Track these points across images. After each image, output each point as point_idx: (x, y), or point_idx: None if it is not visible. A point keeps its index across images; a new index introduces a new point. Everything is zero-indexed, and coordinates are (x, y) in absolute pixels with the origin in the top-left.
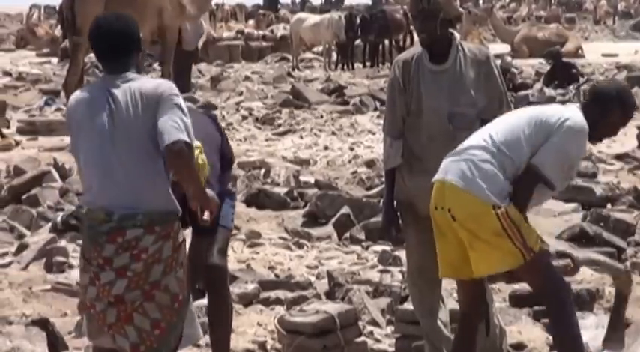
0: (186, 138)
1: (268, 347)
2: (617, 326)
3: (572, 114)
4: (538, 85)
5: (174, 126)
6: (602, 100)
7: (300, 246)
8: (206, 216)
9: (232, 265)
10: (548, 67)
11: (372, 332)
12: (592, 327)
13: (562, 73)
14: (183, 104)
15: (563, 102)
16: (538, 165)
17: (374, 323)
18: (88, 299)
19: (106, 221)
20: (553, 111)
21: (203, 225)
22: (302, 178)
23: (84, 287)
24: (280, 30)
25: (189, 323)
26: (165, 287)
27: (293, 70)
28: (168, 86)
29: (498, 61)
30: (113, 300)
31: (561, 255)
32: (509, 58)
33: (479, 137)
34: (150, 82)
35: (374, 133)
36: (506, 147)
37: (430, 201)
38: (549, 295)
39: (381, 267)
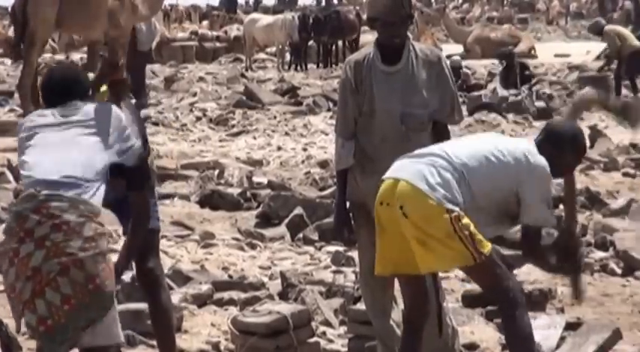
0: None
1: (222, 347)
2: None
3: (537, 157)
4: (491, 86)
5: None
6: (557, 142)
7: (254, 247)
8: None
9: (186, 266)
10: (501, 68)
11: (324, 333)
12: (544, 327)
13: (515, 74)
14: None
15: (515, 103)
16: (531, 222)
17: (327, 323)
18: (8, 284)
19: (34, 197)
20: (517, 153)
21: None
22: (255, 179)
23: (5, 273)
24: (234, 31)
25: (110, 321)
26: (81, 264)
27: (246, 70)
28: None
29: (448, 62)
30: (30, 274)
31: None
32: (457, 57)
33: (439, 148)
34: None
35: (327, 134)
36: (465, 168)
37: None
38: (501, 295)
39: (333, 268)
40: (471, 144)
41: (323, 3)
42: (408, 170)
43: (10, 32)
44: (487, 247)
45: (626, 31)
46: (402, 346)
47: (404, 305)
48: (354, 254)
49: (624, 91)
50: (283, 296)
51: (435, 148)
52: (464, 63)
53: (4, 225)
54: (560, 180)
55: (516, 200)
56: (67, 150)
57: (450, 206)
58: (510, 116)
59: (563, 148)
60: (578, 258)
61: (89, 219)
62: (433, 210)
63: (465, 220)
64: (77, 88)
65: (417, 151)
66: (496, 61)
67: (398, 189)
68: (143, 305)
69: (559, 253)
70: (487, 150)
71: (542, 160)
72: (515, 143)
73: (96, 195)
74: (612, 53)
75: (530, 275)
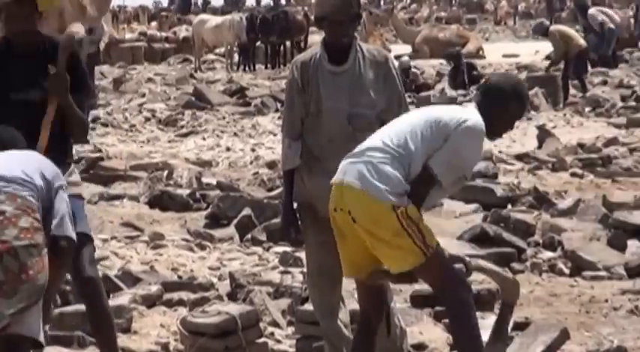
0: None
1: (171, 348)
2: (500, 336)
3: (470, 115)
4: (440, 86)
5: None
6: (498, 95)
7: (203, 248)
8: None
9: (136, 267)
10: (449, 68)
11: (272, 333)
12: (492, 327)
13: (463, 74)
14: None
15: (464, 103)
16: (432, 165)
17: (275, 324)
18: None
19: None
20: (451, 113)
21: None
22: (204, 180)
23: None
24: (183, 31)
25: (36, 315)
26: (15, 253)
27: (195, 71)
28: None
29: (397, 62)
30: None
31: (455, 259)
32: (406, 58)
33: (377, 139)
34: None
35: (275, 134)
36: (404, 149)
37: (329, 203)
38: (449, 295)
39: (281, 268)
40: (401, 122)
41: (266, 2)
42: (350, 172)
43: None
44: (434, 240)
45: (572, 31)
46: (355, 346)
47: (359, 306)
48: (302, 254)
49: (573, 91)
50: (232, 296)
51: (370, 141)
52: (412, 63)
53: None
54: (513, 180)
55: None
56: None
57: (395, 201)
58: None
59: (507, 101)
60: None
61: (26, 212)
62: (377, 209)
63: (413, 215)
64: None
65: (357, 148)
66: (444, 62)
67: (344, 193)
68: (77, 307)
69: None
70: (423, 120)
71: (474, 122)
72: (451, 109)
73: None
74: (557, 54)
75: (479, 275)
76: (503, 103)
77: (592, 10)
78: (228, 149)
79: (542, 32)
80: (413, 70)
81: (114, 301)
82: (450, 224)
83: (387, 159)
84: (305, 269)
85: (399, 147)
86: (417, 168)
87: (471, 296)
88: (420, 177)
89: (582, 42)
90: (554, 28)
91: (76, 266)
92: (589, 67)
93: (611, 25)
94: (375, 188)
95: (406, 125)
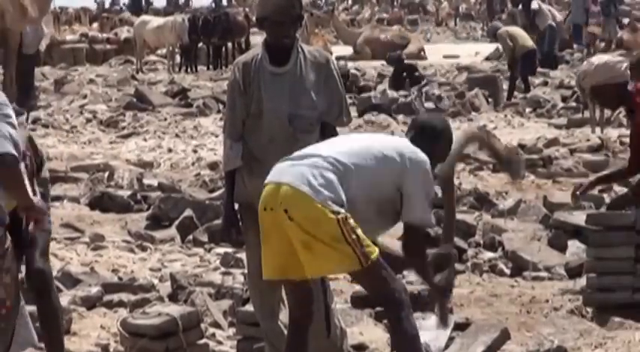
0: (12, 150)
1: (111, 349)
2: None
3: (415, 152)
4: (381, 87)
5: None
6: (432, 134)
7: (144, 249)
8: (31, 226)
9: (76, 268)
10: (391, 69)
11: (214, 335)
12: (433, 328)
13: (405, 76)
14: (13, 115)
15: (405, 104)
16: (416, 221)
17: (216, 325)
18: None
19: None
20: (397, 149)
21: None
22: (146, 181)
23: None
24: (124, 33)
25: (22, 328)
26: None
27: (137, 72)
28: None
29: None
30: None
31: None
32: (342, 62)
33: (322, 149)
34: None
35: (217, 136)
36: (347, 167)
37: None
38: (386, 297)
39: (223, 269)
40: (352, 142)
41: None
42: (290, 173)
43: None
44: (374, 252)
45: (519, 32)
46: (288, 347)
47: (288, 306)
48: (243, 255)
49: (514, 91)
50: (173, 298)
51: (314, 148)
52: (354, 64)
53: None
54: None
55: (400, 196)
56: None
57: (335, 207)
58: (400, 117)
59: (438, 140)
60: (448, 279)
61: None
62: (319, 212)
63: (352, 222)
64: None
65: (296, 153)
66: (386, 63)
67: (281, 193)
68: (32, 308)
69: (436, 266)
70: (369, 147)
71: (423, 155)
72: (395, 140)
73: None
74: (507, 55)
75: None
76: (433, 140)
77: (535, 5)
78: (169, 150)
79: (493, 35)
80: (353, 71)
81: None
82: None
83: (331, 169)
84: (246, 271)
85: (342, 164)
86: (351, 191)
87: (408, 297)
88: (409, 237)
89: (530, 43)
90: (502, 29)
91: (28, 257)
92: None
93: (552, 23)
94: (318, 191)
95: (351, 147)
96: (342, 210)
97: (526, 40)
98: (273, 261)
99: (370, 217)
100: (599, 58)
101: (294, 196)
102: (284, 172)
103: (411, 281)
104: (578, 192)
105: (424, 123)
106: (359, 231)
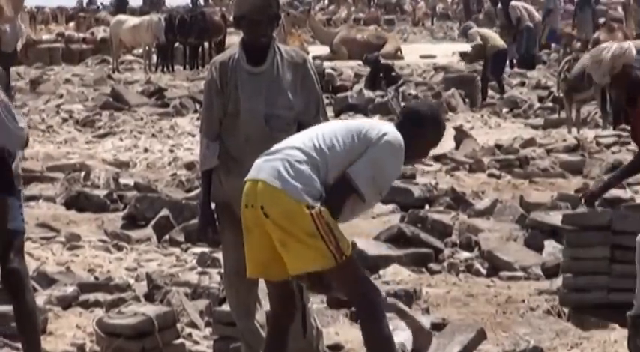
0: None
1: (87, 349)
2: None
3: (391, 130)
4: (357, 87)
5: None
6: (417, 119)
7: (120, 249)
8: None
9: (52, 268)
10: (368, 69)
11: (190, 334)
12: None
13: (381, 76)
14: None
15: (382, 104)
16: (352, 175)
17: (192, 325)
18: None
19: None
20: (373, 125)
21: None
22: (122, 181)
23: None
24: (101, 32)
25: None
26: None
27: (113, 72)
28: None
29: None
30: None
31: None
32: (318, 62)
33: (296, 139)
34: None
35: (193, 135)
36: (323, 154)
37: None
38: (359, 298)
39: (199, 269)
40: (325, 128)
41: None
42: (265, 169)
43: None
44: (348, 248)
45: (489, 32)
46: (267, 347)
47: (270, 306)
48: (220, 255)
49: (490, 92)
50: (149, 297)
51: (289, 141)
52: (330, 64)
53: None
54: (430, 181)
55: None
56: None
57: (309, 201)
58: (377, 117)
59: (424, 125)
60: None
61: None
62: (293, 207)
63: (327, 216)
64: None
65: (273, 147)
66: (363, 63)
67: (258, 190)
68: (8, 308)
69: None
70: (345, 129)
71: (396, 134)
72: (373, 122)
73: None
74: (473, 53)
75: (396, 276)
76: (421, 126)
77: (514, 3)
78: (146, 150)
79: (465, 33)
80: (329, 70)
81: None
82: (368, 224)
83: (305, 159)
84: (222, 270)
85: (317, 152)
86: (333, 176)
87: (380, 298)
88: (337, 186)
89: (500, 43)
90: (473, 30)
91: (4, 257)
92: (507, 68)
93: (530, 24)
94: (291, 186)
95: (327, 131)
96: (317, 205)
97: (496, 40)
98: (255, 259)
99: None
100: (609, 45)
101: (268, 193)
102: (261, 168)
103: (387, 281)
104: (590, 199)
105: (410, 108)
106: (333, 226)
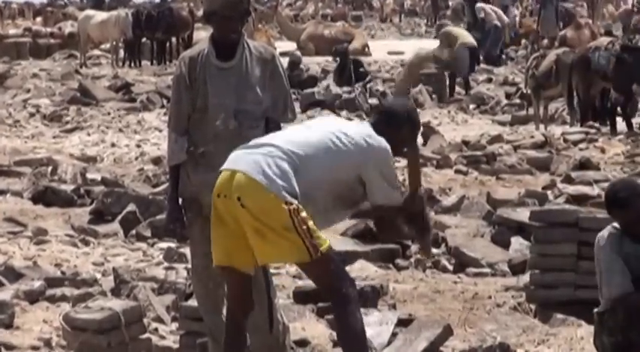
0: None
1: (53, 344)
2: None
3: (373, 136)
4: (324, 83)
5: None
6: (394, 117)
7: (87, 243)
8: None
9: (18, 262)
10: (335, 65)
11: (156, 329)
12: (376, 324)
13: (349, 71)
14: None
15: (349, 100)
16: (379, 202)
17: (159, 320)
18: None
19: None
20: (355, 136)
21: None
22: (89, 175)
23: None
24: (68, 27)
25: None
26: None
27: (81, 67)
28: None
29: (286, 59)
30: None
31: None
32: (298, 52)
33: (278, 138)
34: None
35: (161, 130)
36: (303, 157)
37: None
38: (334, 291)
39: (166, 264)
40: (309, 132)
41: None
42: (245, 161)
43: None
44: (324, 244)
45: (458, 30)
46: (226, 341)
47: (227, 299)
48: (187, 250)
49: (457, 88)
50: (116, 292)
51: (271, 138)
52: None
53: None
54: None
55: (362, 185)
56: None
57: (288, 198)
58: (344, 113)
59: (400, 124)
60: (424, 217)
61: None
62: (271, 201)
63: (304, 214)
64: None
65: (253, 142)
66: (330, 58)
67: (235, 180)
68: None
69: (406, 217)
70: (326, 137)
71: (382, 141)
72: (353, 128)
73: None
74: (439, 49)
75: (362, 272)
76: (397, 126)
77: (480, 5)
78: (113, 145)
79: (438, 31)
80: (300, 65)
81: None
82: None
83: (286, 159)
84: (189, 265)
85: (297, 155)
86: (308, 180)
87: (355, 293)
88: (379, 210)
89: (469, 40)
90: (445, 29)
91: None
92: (475, 66)
93: (497, 23)
94: (272, 181)
95: (308, 135)
96: (295, 202)
97: (465, 37)
98: (223, 248)
99: (328, 206)
100: None
101: (247, 185)
102: (240, 160)
103: (354, 277)
104: None
105: (386, 107)
106: (310, 223)
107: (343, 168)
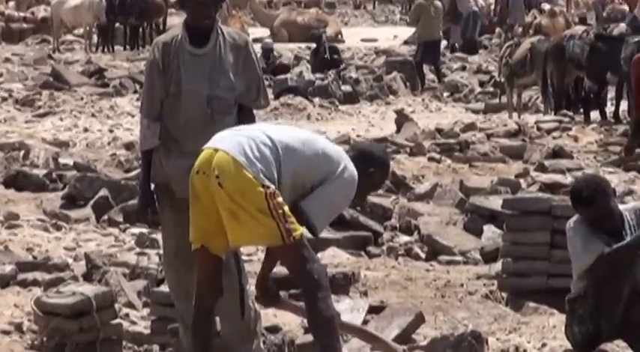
0: None
1: (25, 328)
2: None
3: (350, 165)
4: (297, 69)
5: None
6: (367, 159)
7: (59, 228)
8: None
9: None
10: (309, 51)
11: (128, 315)
12: (347, 311)
13: (323, 58)
14: None
15: (322, 87)
16: (308, 212)
17: (130, 305)
18: None
19: None
20: (337, 151)
21: None
22: (61, 160)
23: None
24: (41, 12)
25: None
26: None
27: (54, 52)
28: None
29: (259, 44)
30: None
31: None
32: (269, 40)
33: (267, 128)
34: None
35: (133, 116)
36: (286, 151)
37: (189, 177)
38: (305, 277)
39: (138, 250)
40: (298, 132)
41: None
42: (229, 141)
43: None
44: (298, 230)
45: (429, 19)
46: (194, 325)
47: (197, 283)
48: (159, 236)
49: (430, 76)
50: (87, 277)
51: (261, 126)
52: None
53: None
54: None
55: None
56: None
57: (265, 181)
58: (317, 100)
59: (375, 166)
60: None
61: None
62: (249, 183)
63: (280, 199)
64: None
65: (243, 126)
66: (303, 45)
67: (215, 158)
68: None
69: None
70: (313, 141)
71: (354, 176)
72: (338, 149)
73: None
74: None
75: (334, 259)
76: (370, 167)
77: None
78: (85, 130)
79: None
80: (274, 52)
81: None
82: None
83: (269, 146)
84: (161, 251)
85: (281, 146)
86: (283, 176)
87: (327, 279)
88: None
89: (435, 32)
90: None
91: None
92: (448, 53)
93: (476, 8)
94: (252, 163)
95: (296, 136)
96: (272, 186)
97: (433, 26)
98: (199, 226)
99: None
100: None
101: (227, 163)
102: (223, 139)
103: (326, 264)
104: None
105: (364, 147)
106: (286, 208)
107: (315, 173)
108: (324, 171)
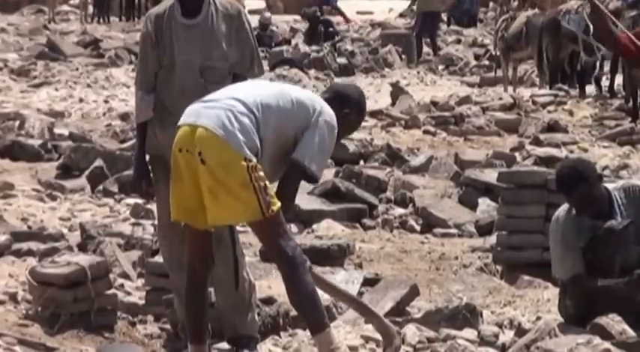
0: None
1: (19, 298)
2: None
3: (326, 108)
4: (293, 41)
5: None
6: (345, 99)
7: (54, 198)
8: None
9: None
10: (304, 24)
11: (122, 285)
12: (342, 283)
13: (319, 31)
14: None
15: (317, 59)
16: (301, 159)
17: (125, 275)
18: None
19: None
20: (309, 97)
21: None
22: (56, 130)
23: None
24: None
25: None
26: None
27: (49, 22)
28: None
29: (256, 17)
30: None
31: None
32: (267, 14)
33: (236, 91)
34: None
35: (128, 86)
36: (263, 111)
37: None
38: (281, 254)
39: (132, 220)
40: (268, 86)
41: None
42: (207, 115)
43: None
44: (277, 204)
45: None
46: (187, 298)
47: (188, 253)
48: (153, 207)
49: (426, 49)
50: (82, 247)
51: (230, 91)
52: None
53: None
54: (366, 137)
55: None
56: None
57: (248, 154)
58: (312, 72)
59: (350, 107)
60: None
61: None
62: (231, 156)
63: (261, 172)
64: None
65: (213, 95)
66: (298, 17)
67: (196, 135)
68: None
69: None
70: (285, 92)
71: (332, 117)
72: (310, 94)
73: None
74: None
75: (329, 231)
76: (346, 107)
77: None
78: (81, 100)
79: None
80: (272, 27)
81: None
82: None
83: (246, 113)
84: (156, 222)
85: (257, 108)
86: (265, 135)
87: (302, 256)
88: (289, 175)
89: (433, 4)
90: None
91: None
92: (441, 27)
93: None
94: (233, 136)
95: (267, 90)
96: (254, 159)
97: (430, 1)
98: (181, 204)
99: (271, 161)
100: None
101: (209, 139)
102: (200, 114)
103: (320, 236)
104: None
105: (339, 88)
106: (267, 182)
107: (293, 122)
108: (302, 118)
